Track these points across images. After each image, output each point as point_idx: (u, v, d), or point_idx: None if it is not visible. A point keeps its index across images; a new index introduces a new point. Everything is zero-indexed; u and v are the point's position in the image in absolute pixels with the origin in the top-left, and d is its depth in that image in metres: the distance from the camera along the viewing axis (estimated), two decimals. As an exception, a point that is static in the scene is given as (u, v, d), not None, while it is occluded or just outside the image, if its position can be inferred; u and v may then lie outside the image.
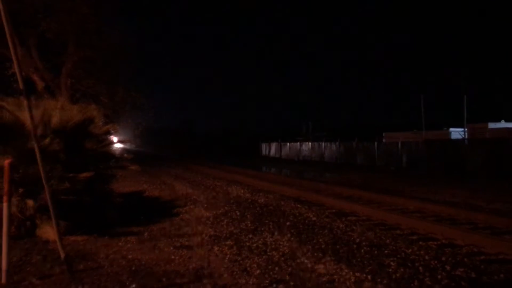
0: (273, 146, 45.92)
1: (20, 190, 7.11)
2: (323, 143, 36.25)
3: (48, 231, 6.65)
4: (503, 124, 31.74)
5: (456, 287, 5.01)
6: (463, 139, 24.68)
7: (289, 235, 7.50)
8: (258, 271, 5.49)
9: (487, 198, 12.17)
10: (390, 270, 5.54)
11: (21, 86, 5.30)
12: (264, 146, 48.53)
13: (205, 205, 10.91)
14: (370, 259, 6.03)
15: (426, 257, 6.12)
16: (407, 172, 23.41)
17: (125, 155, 10.56)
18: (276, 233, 7.63)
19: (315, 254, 6.26)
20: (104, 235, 7.34)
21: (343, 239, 7.18)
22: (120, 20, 21.85)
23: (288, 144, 42.73)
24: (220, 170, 24.49)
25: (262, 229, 8.03)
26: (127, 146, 64.87)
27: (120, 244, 6.94)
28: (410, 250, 6.49)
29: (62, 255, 5.35)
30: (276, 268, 5.60)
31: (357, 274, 5.36)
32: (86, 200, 7.47)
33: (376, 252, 6.39)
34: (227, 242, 6.98)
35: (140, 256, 6.24)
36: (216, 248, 6.62)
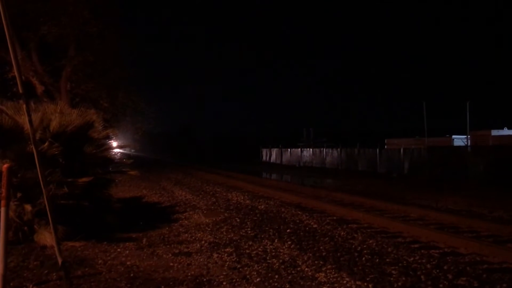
0: (274, 151, 45.79)
1: (18, 194, 7.07)
2: (324, 149, 36.13)
3: (46, 236, 6.59)
4: (506, 132, 31.64)
5: (459, 297, 4.94)
6: (466, 146, 24.55)
7: (289, 242, 7.43)
8: (258, 279, 5.42)
9: (490, 206, 12.07)
10: (392, 278, 5.46)
11: (20, 89, 5.25)
12: (264, 152, 48.38)
13: (205, 211, 10.84)
14: (371, 267, 5.96)
15: (428, 266, 6.04)
16: (409, 179, 23.28)
17: (125, 160, 10.53)
18: (276, 240, 7.56)
19: (316, 262, 6.19)
20: (103, 241, 7.28)
21: (344, 247, 7.10)
22: (121, 24, 21.81)
23: (289, 150, 42.60)
24: (220, 176, 24.41)
25: (262, 236, 7.95)
26: (127, 150, 64.85)
27: (119, 250, 6.88)
28: (412, 259, 6.41)
29: (60, 260, 5.28)
30: (276, 276, 5.53)
31: (358, 282, 5.29)
32: (84, 205, 7.42)
33: (377, 260, 6.31)
34: (227, 249, 6.91)
35: (139, 263, 6.17)
36: (215, 255, 6.55)
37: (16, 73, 5.19)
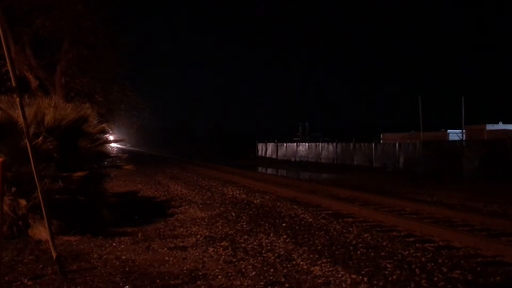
0: (270, 146, 45.83)
1: (13, 189, 7.04)
2: (320, 144, 36.18)
3: (41, 231, 6.57)
4: (500, 126, 31.80)
5: (453, 290, 4.96)
6: (461, 140, 24.64)
7: (285, 236, 7.44)
8: (253, 273, 5.43)
9: (484, 200, 12.13)
10: (387, 272, 5.49)
11: (14, 84, 5.23)
12: (260, 146, 48.43)
13: (200, 206, 10.84)
14: (366, 261, 5.98)
15: (423, 259, 6.07)
16: (405, 173, 23.38)
17: (120, 154, 10.50)
18: (271, 234, 7.57)
19: (311, 255, 6.20)
20: (98, 235, 7.27)
21: (340, 241, 7.13)
22: (116, 18, 21.61)
23: (284, 144, 42.65)
24: (216, 170, 24.41)
25: (258, 230, 7.96)
26: (122, 145, 64.71)
27: (114, 244, 6.87)
28: (406, 252, 6.44)
29: (54, 255, 5.27)
30: (272, 270, 5.54)
31: (353, 276, 5.30)
32: (80, 200, 7.40)
33: (372, 254, 6.34)
34: (222, 243, 6.91)
35: (134, 257, 6.17)
36: (211, 249, 6.56)
37: (9, 67, 5.16)
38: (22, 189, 6.99)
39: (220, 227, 8.21)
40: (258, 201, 11.75)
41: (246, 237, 7.39)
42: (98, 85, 23.03)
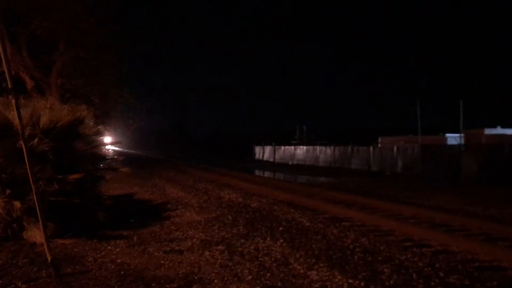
0: (267, 149, 45.76)
1: (8, 191, 7.01)
2: (317, 147, 36.14)
3: (36, 234, 6.53)
4: (499, 130, 31.82)
5: (450, 295, 4.94)
6: (459, 144, 24.64)
7: (281, 240, 7.40)
8: (249, 277, 5.39)
9: (482, 204, 12.11)
10: (384, 277, 5.46)
11: (9, 85, 5.20)
12: (257, 149, 48.33)
13: (197, 209, 10.79)
14: (363, 265, 5.95)
15: (420, 264, 6.05)
16: (402, 177, 23.34)
17: (116, 156, 10.46)
18: (268, 238, 7.53)
19: (308, 260, 6.17)
20: (93, 238, 7.22)
21: (337, 245, 7.09)
22: (114, 20, 21.58)
23: (282, 147, 42.58)
24: (213, 173, 24.34)
25: (254, 234, 7.92)
26: (118, 147, 64.57)
27: (109, 247, 6.83)
28: (404, 257, 6.41)
29: (49, 258, 5.23)
30: (268, 274, 5.50)
31: (350, 280, 5.28)
32: (75, 202, 7.36)
33: (369, 258, 6.30)
34: (218, 247, 6.87)
35: (129, 260, 6.13)
36: (207, 253, 6.52)
37: (5, 68, 5.13)
38: (17, 191, 6.95)
39: (216, 231, 8.16)
40: (255, 204, 11.71)
41: (242, 241, 7.35)
42: (95, 87, 22.98)
